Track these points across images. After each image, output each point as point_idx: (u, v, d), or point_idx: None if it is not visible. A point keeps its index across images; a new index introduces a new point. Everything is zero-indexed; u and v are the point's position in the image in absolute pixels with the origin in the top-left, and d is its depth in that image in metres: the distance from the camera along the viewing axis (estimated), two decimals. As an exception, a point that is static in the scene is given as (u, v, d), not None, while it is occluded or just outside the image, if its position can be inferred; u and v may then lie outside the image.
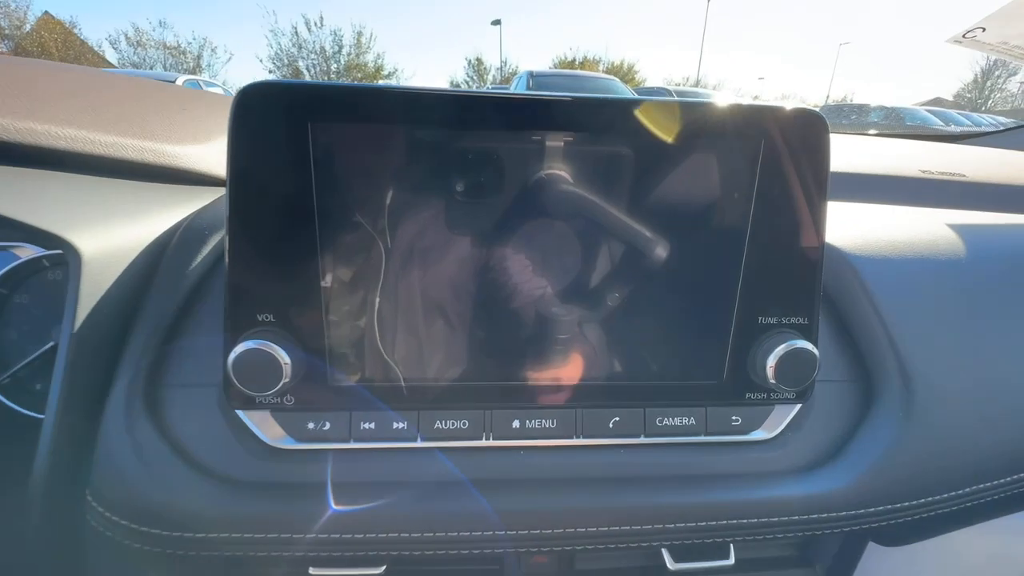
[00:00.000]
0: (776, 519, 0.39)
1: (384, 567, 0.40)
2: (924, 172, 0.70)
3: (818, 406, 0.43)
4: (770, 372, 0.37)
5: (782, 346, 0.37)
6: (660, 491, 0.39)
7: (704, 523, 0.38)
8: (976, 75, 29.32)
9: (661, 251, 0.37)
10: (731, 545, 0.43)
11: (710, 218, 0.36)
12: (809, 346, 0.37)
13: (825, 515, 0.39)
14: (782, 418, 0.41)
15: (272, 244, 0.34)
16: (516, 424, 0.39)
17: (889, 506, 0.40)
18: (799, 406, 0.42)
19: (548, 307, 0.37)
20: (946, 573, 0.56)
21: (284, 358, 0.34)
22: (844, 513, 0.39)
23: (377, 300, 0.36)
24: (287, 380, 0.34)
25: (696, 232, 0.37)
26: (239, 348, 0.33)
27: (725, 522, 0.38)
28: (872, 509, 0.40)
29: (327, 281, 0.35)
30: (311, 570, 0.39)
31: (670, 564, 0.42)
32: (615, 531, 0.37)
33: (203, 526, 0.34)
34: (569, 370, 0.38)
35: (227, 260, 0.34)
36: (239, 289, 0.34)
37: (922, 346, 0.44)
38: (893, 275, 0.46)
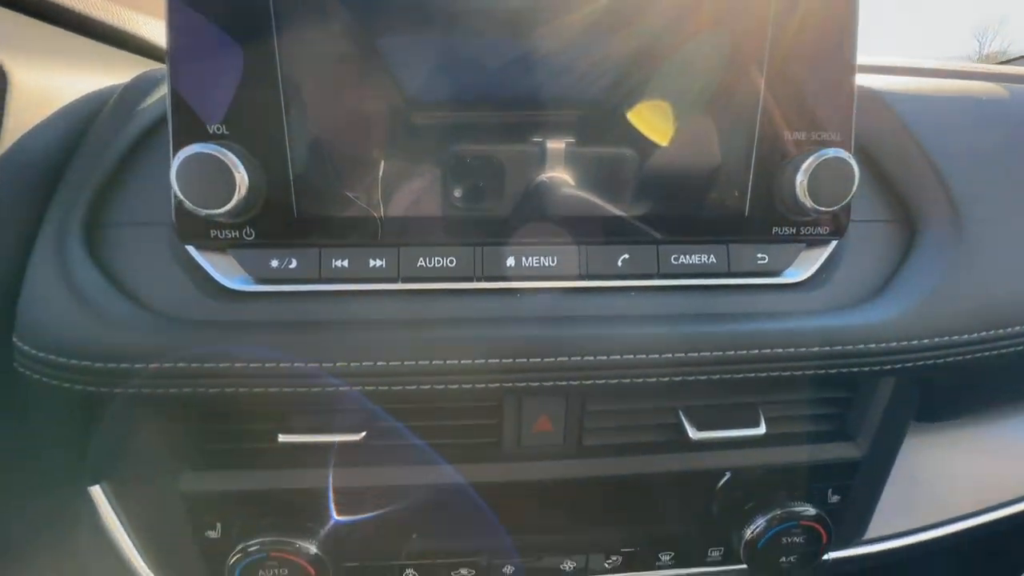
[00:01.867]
0: (817, 349, 0.33)
1: (364, 433, 0.34)
2: None
3: (855, 246, 0.37)
4: (801, 190, 0.32)
5: (813, 157, 0.32)
6: (679, 324, 0.33)
7: (732, 352, 0.33)
8: None
9: (670, 51, 0.32)
10: (760, 411, 0.38)
11: (726, 15, 0.31)
12: (845, 155, 0.32)
13: (873, 346, 0.33)
14: (817, 256, 0.36)
15: (221, 39, 0.29)
16: (511, 262, 0.33)
17: (940, 339, 0.35)
18: (834, 244, 0.36)
19: (545, 118, 0.32)
20: (987, 461, 0.51)
21: (238, 168, 0.29)
22: (894, 344, 0.34)
23: (348, 115, 0.31)
24: (242, 197, 0.29)
25: (710, 33, 0.32)
26: (185, 152, 0.28)
27: (757, 351, 0.33)
28: (923, 342, 0.34)
29: (289, 89, 0.30)
30: (280, 437, 0.34)
31: (692, 433, 0.37)
32: (627, 361, 0.32)
33: (143, 356, 0.29)
34: (570, 200, 0.33)
35: (168, 58, 0.29)
36: (185, 91, 0.30)
37: (971, 182, 0.38)
38: (934, 114, 0.41)
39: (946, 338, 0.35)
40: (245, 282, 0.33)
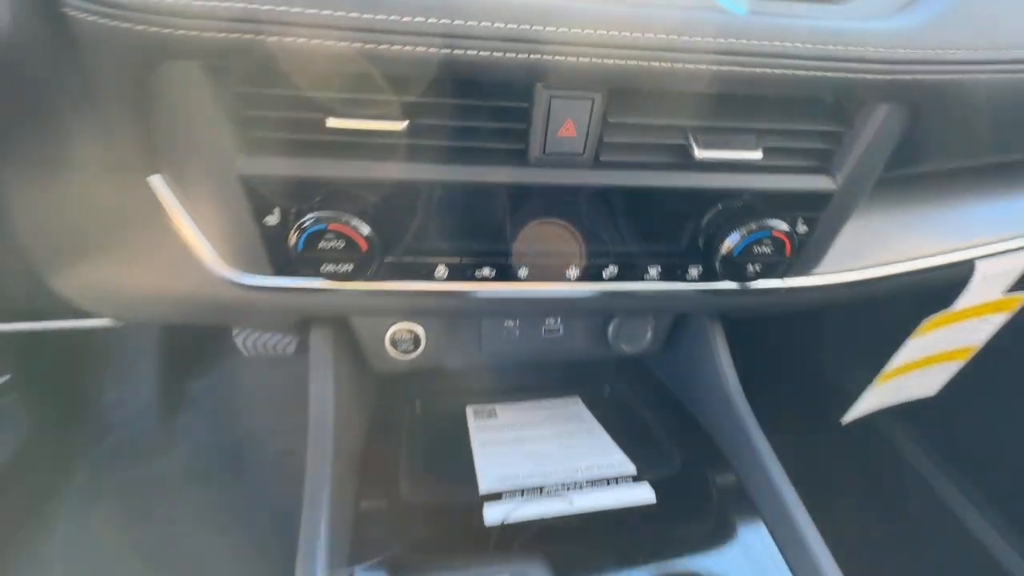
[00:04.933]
0: (835, 48, 0.36)
1: (407, 122, 0.38)
2: None
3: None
4: None
5: None
6: (714, 11, 0.35)
7: (762, 43, 0.35)
8: None
9: None
10: (757, 139, 0.42)
11: None
12: None
13: (887, 51, 0.37)
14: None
15: None
16: None
17: (949, 52, 0.38)
18: None
19: None
20: (931, 225, 0.59)
21: None
22: (907, 52, 0.37)
23: None
24: None
25: None
26: None
27: (785, 46, 0.35)
28: (934, 52, 0.38)
29: None
30: (329, 121, 0.37)
31: (697, 152, 0.41)
32: (663, 42, 0.34)
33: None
34: None
35: None
36: None
37: None
38: None
39: (954, 52, 0.38)
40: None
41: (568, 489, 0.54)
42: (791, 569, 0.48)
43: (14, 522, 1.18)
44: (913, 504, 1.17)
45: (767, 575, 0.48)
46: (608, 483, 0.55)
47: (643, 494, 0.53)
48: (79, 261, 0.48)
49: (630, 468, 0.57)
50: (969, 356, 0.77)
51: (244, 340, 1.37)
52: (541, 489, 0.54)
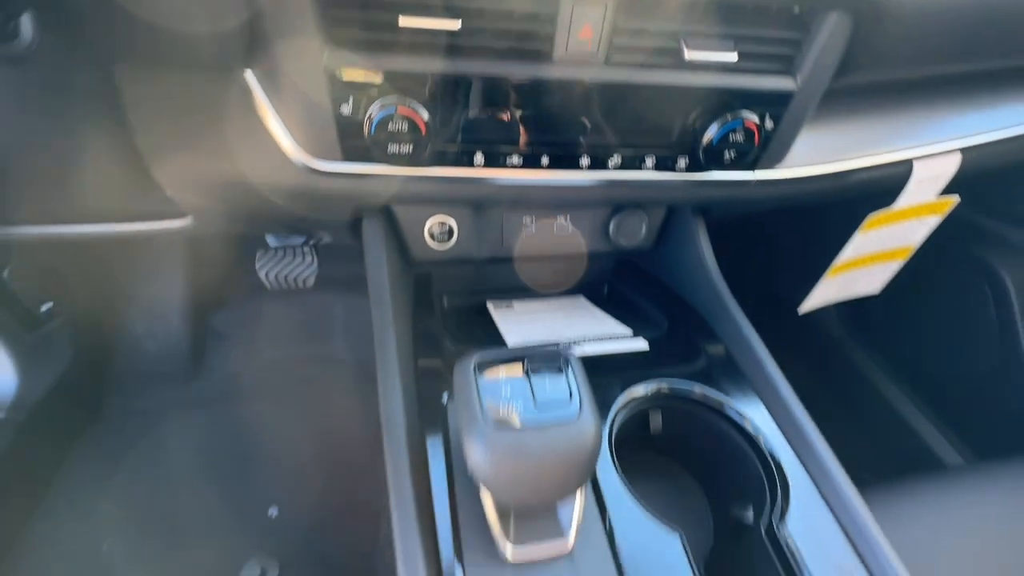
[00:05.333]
0: None
1: (460, 22, 0.48)
2: None
3: None
4: None
5: None
6: None
7: None
8: None
9: None
10: (734, 44, 0.54)
11: None
12: None
13: None
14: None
15: None
16: None
17: None
18: None
19: None
20: (876, 131, 0.71)
21: None
22: None
23: None
24: None
25: None
26: None
27: None
28: None
29: None
30: (401, 20, 0.47)
31: (687, 54, 0.52)
32: None
33: None
34: None
35: None
36: None
37: None
38: None
39: None
40: None
41: (577, 344, 0.67)
42: (777, 423, 0.57)
43: (57, 446, 1.29)
44: (850, 388, 1.38)
45: (751, 413, 0.58)
46: (610, 339, 0.68)
47: (639, 344, 0.66)
48: (179, 150, 0.58)
49: (628, 331, 0.70)
50: (907, 256, 0.92)
51: (267, 274, 1.47)
52: (557, 345, 0.67)
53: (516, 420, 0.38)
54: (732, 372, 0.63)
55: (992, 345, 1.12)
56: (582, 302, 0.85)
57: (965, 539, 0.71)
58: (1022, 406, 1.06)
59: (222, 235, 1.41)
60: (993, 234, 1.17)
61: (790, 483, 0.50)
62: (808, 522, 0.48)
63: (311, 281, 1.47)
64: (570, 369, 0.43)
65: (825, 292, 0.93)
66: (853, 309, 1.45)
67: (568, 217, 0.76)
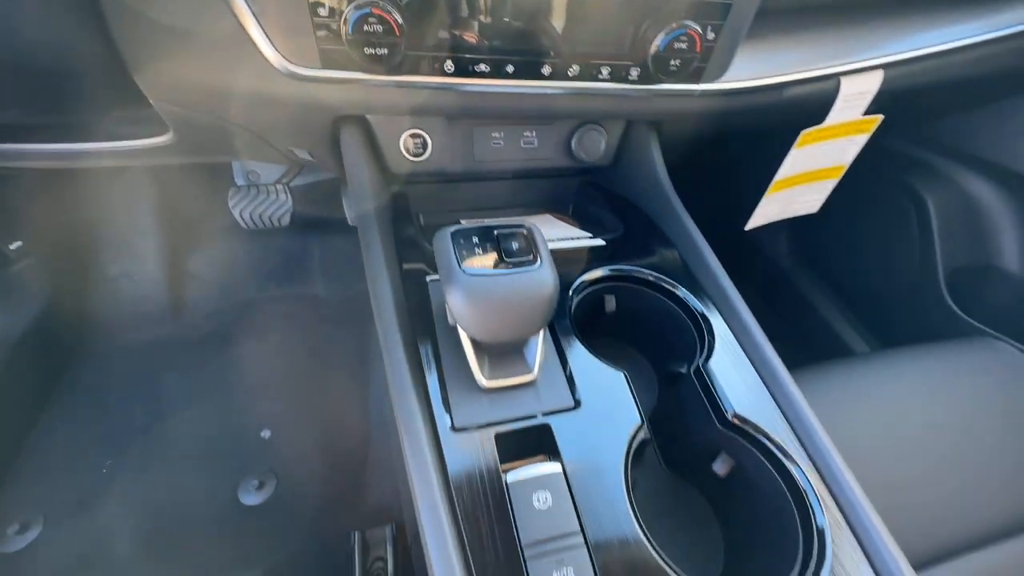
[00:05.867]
0: None
1: None
2: None
3: None
4: None
5: None
6: None
7: None
8: None
9: None
10: None
11: None
12: None
13: None
14: None
15: None
16: None
17: None
18: None
19: None
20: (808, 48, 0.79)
21: None
22: None
23: None
24: None
25: None
26: None
27: None
28: None
29: None
30: None
31: None
32: None
33: None
34: None
35: None
36: None
37: None
38: None
39: None
40: None
41: (545, 244, 0.74)
42: (713, 301, 0.66)
43: (40, 383, 1.31)
44: (781, 297, 1.54)
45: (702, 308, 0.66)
46: (572, 240, 0.76)
47: (597, 241, 0.75)
48: (161, 57, 0.61)
49: (589, 235, 0.78)
50: (840, 175, 1.02)
51: (241, 212, 1.49)
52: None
53: (487, 269, 0.46)
54: (680, 267, 0.73)
55: (913, 259, 1.26)
56: (548, 218, 0.93)
57: (867, 409, 0.84)
58: (928, 307, 1.22)
59: (195, 167, 1.41)
60: (922, 162, 1.29)
61: (716, 336, 0.61)
62: (728, 362, 0.58)
63: (286, 220, 1.49)
64: (534, 236, 0.50)
65: (767, 210, 1.03)
66: (800, 240, 1.59)
67: (534, 132, 0.82)
